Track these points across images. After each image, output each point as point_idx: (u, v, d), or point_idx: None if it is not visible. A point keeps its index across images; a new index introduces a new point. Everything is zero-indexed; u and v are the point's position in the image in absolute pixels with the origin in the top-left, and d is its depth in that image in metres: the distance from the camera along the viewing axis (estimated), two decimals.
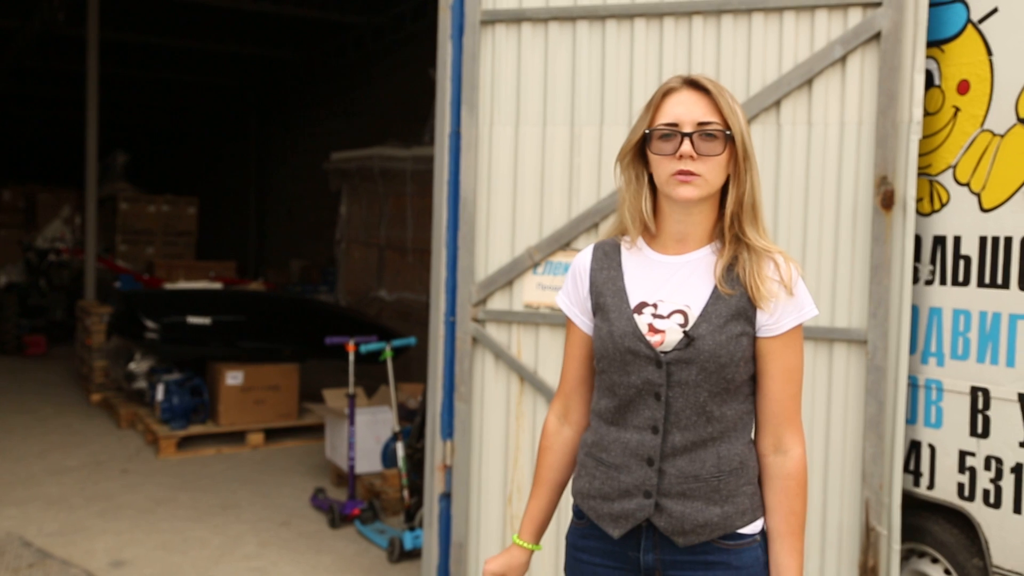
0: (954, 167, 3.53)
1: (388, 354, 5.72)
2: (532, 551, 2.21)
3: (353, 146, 10.67)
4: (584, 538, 2.09)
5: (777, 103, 3.71)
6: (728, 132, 1.92)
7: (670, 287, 2.00)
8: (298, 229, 15.27)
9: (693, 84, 1.96)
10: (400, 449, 5.38)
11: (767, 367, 1.99)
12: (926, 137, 3.59)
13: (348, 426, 5.84)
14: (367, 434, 6.17)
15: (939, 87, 3.58)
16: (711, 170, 1.92)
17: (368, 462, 6.19)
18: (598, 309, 2.07)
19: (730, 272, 1.97)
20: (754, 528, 2.00)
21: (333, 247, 11.88)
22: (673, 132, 1.92)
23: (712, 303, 1.96)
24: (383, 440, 6.23)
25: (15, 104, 18.75)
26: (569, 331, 2.17)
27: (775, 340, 1.97)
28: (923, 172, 3.61)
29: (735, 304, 1.95)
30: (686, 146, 1.91)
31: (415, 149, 9.41)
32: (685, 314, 1.96)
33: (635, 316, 2.00)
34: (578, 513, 2.12)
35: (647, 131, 1.97)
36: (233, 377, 7.50)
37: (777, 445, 2.00)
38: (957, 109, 3.52)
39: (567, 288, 2.15)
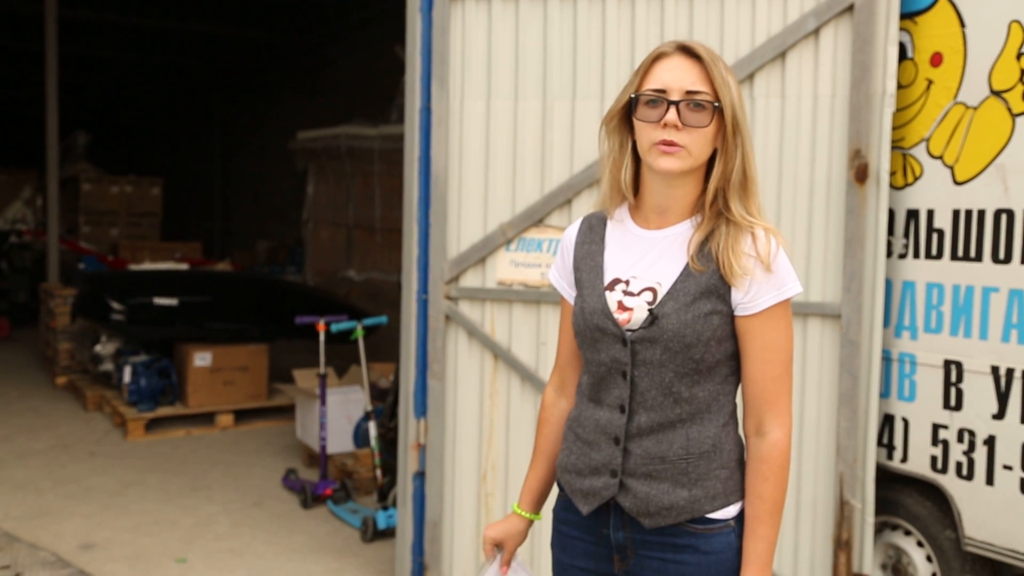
0: (927, 140, 3.53)
1: (359, 333, 5.68)
2: (531, 520, 2.19)
3: (318, 126, 10.54)
4: (565, 510, 2.08)
5: (751, 76, 3.69)
6: (717, 104, 1.84)
7: (645, 263, 1.95)
8: (263, 209, 15.12)
9: (686, 50, 1.87)
10: (372, 429, 5.35)
11: (746, 347, 1.91)
12: (899, 110, 3.59)
13: (320, 406, 5.79)
14: (339, 414, 6.12)
15: (912, 60, 3.58)
16: (695, 142, 1.84)
17: (340, 442, 6.15)
18: (577, 285, 2.04)
19: (704, 247, 1.89)
20: (727, 513, 1.93)
21: (300, 227, 11.77)
22: (660, 99, 1.84)
23: (681, 280, 1.89)
24: (355, 420, 6.19)
25: None
26: (562, 305, 2.14)
27: (752, 319, 1.89)
28: (896, 145, 3.61)
29: (706, 281, 1.87)
30: (671, 115, 1.82)
31: (382, 128, 9.32)
32: (655, 291, 1.90)
33: (606, 293, 1.95)
34: (560, 485, 2.11)
35: (633, 96, 1.89)
36: (201, 358, 7.42)
37: (758, 427, 1.92)
38: (930, 82, 3.52)
39: (557, 262, 2.13)
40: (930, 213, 3.54)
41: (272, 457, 6.69)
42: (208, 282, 8.47)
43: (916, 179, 3.58)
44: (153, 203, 13.54)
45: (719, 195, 1.90)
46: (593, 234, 2.04)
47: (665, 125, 1.83)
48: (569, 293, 2.09)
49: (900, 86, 3.59)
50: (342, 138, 9.90)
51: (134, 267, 9.19)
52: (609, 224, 2.03)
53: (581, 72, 3.91)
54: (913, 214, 3.60)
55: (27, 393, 8.55)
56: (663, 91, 1.85)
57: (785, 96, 3.66)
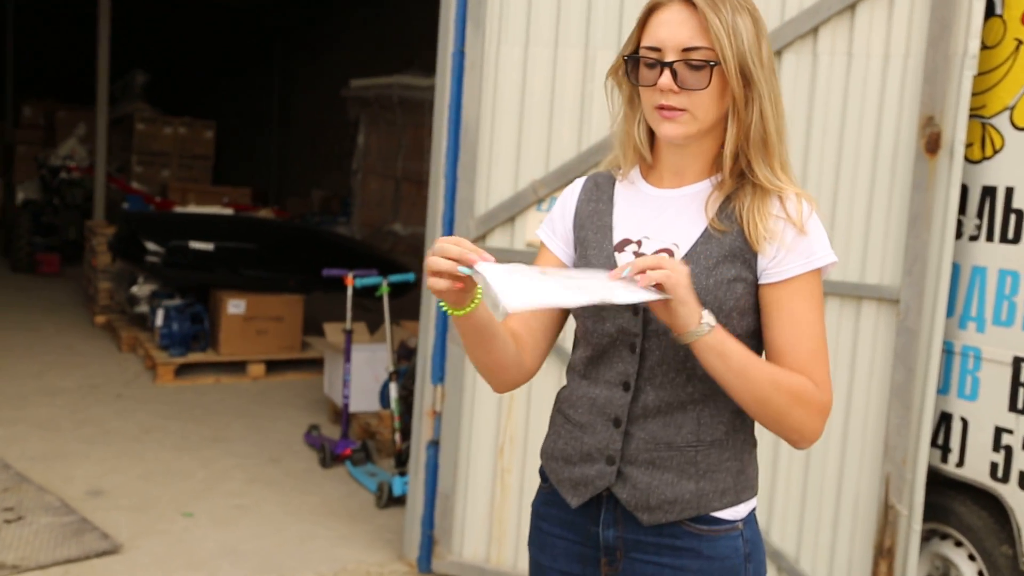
0: (1012, 109, 3.20)
1: (384, 290, 5.45)
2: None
3: (379, 74, 10.28)
4: (546, 504, 1.84)
5: (814, 30, 3.36)
6: (715, 62, 1.60)
7: (659, 223, 1.72)
8: (320, 158, 14.99)
9: None
10: (393, 390, 5.12)
11: (772, 320, 1.65)
12: (981, 74, 3.25)
13: (344, 363, 5.59)
14: (366, 372, 5.91)
15: (1000, 17, 3.24)
16: (698, 105, 1.62)
17: (365, 401, 5.94)
18: (578, 244, 1.80)
19: (726, 207, 1.67)
20: (735, 514, 1.70)
21: (350, 177, 11.60)
22: (654, 61, 1.62)
23: (703, 242, 1.66)
24: (382, 379, 5.98)
25: (34, 19, 18.47)
26: (539, 255, 1.86)
27: (778, 287, 1.64)
28: (975, 113, 3.27)
29: (729, 244, 1.65)
30: (665, 79, 1.61)
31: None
32: (672, 254, 1.67)
33: (615, 255, 1.72)
34: (543, 475, 1.86)
35: (625, 57, 1.68)
36: (235, 306, 7.26)
37: None
38: (1020, 42, 3.17)
39: (550, 217, 1.88)
40: (1009, 191, 3.20)
41: (298, 411, 6.52)
42: (249, 229, 8.31)
43: (996, 152, 3.25)
44: (206, 146, 13.43)
45: (740, 156, 1.67)
46: (600, 192, 1.82)
47: (662, 90, 1.62)
48: (556, 243, 1.84)
49: (984, 47, 3.24)
50: (395, 88, 9.66)
51: (178, 209, 9.07)
52: (618, 184, 1.81)
53: (628, 20, 3.61)
54: (989, 191, 3.26)
55: (64, 330, 8.50)
56: (658, 49, 1.63)
57: (852, 54, 3.33)
